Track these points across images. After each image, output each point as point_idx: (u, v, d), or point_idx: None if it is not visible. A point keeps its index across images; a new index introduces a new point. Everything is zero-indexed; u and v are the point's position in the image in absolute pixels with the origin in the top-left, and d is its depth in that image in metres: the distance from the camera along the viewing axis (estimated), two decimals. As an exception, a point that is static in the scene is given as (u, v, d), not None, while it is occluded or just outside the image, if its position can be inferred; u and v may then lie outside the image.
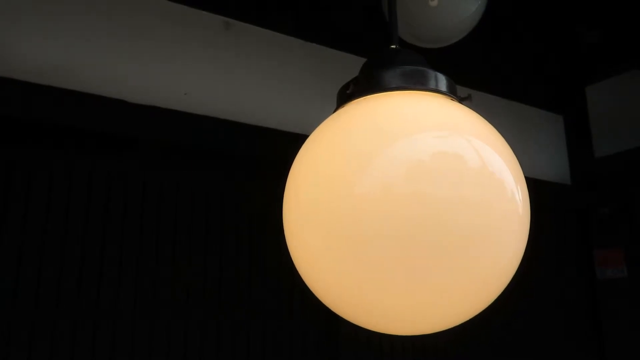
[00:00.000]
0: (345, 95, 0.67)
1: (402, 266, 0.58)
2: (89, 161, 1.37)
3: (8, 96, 1.22)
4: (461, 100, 0.66)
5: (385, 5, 1.46)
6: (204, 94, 1.50)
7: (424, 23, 1.40)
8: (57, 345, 1.29)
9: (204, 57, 1.53)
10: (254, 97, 1.60)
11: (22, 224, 1.29)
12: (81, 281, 1.33)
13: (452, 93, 0.65)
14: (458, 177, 0.57)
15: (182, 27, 1.50)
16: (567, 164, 2.41)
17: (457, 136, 0.60)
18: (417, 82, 0.64)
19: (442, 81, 0.65)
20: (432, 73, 0.65)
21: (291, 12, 1.68)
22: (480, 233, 0.58)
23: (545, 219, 2.09)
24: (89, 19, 1.37)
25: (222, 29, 1.54)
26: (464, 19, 1.43)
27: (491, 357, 1.98)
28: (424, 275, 0.58)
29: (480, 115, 0.64)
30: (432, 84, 0.64)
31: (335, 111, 0.68)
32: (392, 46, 0.71)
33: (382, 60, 0.69)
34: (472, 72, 1.88)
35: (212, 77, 1.53)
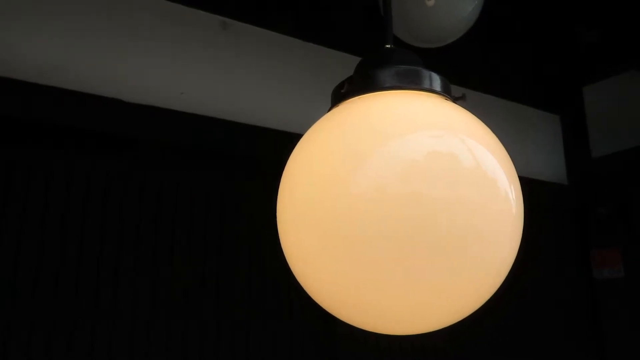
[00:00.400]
0: (340, 95, 0.67)
1: (396, 266, 0.58)
2: (88, 161, 1.37)
3: (7, 96, 1.22)
4: (455, 100, 0.66)
5: (382, 6, 1.47)
6: (203, 93, 1.50)
7: (421, 23, 1.40)
8: (55, 346, 1.29)
9: (203, 57, 1.53)
10: (252, 97, 1.60)
11: (20, 224, 1.29)
12: (79, 281, 1.33)
13: (446, 93, 0.66)
14: (452, 176, 0.57)
15: (180, 27, 1.50)
16: (564, 164, 2.41)
17: (451, 136, 0.60)
18: (411, 82, 0.64)
19: (437, 81, 0.65)
20: (426, 73, 0.65)
21: (290, 12, 1.69)
22: (474, 232, 0.58)
23: (542, 219, 2.09)
24: (88, 19, 1.37)
25: (220, 28, 1.54)
26: (461, 19, 1.43)
27: (490, 356, 1.98)
28: (418, 275, 0.58)
29: (477, 115, 0.64)
30: (426, 84, 0.65)
31: (329, 110, 0.69)
32: (387, 45, 0.71)
33: (376, 60, 0.69)
34: (469, 72, 1.88)
35: (211, 76, 1.53)
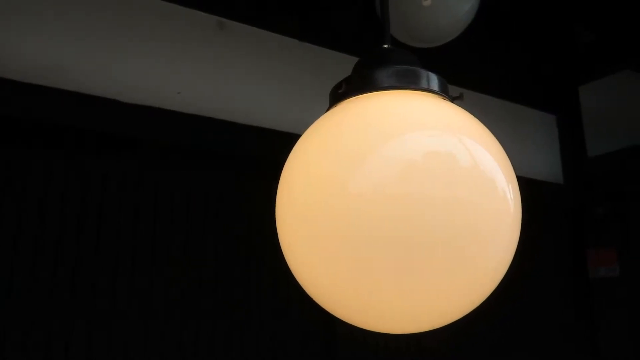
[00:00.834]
0: (338, 95, 0.67)
1: (394, 265, 0.58)
2: (86, 161, 1.37)
3: (3, 96, 1.22)
4: (453, 99, 0.67)
5: (379, 6, 1.47)
6: (199, 93, 1.50)
7: (417, 22, 1.40)
8: (52, 345, 1.28)
9: (199, 57, 1.53)
10: (249, 97, 1.60)
11: (17, 224, 1.29)
12: (76, 281, 1.33)
13: (443, 92, 0.66)
14: (450, 176, 0.57)
15: (177, 27, 1.50)
16: (561, 163, 2.42)
17: (449, 136, 0.60)
18: (409, 82, 0.64)
19: (434, 80, 0.65)
20: (424, 72, 0.65)
21: (287, 12, 1.69)
22: (472, 232, 0.58)
23: (538, 218, 2.10)
24: (85, 20, 1.37)
25: (217, 29, 1.54)
26: (458, 19, 1.44)
27: (487, 355, 1.98)
28: (416, 274, 0.58)
29: (474, 114, 0.64)
30: (424, 84, 0.65)
31: (327, 110, 0.69)
32: (385, 45, 0.71)
33: (374, 60, 0.69)
34: (465, 71, 1.88)
35: (207, 76, 1.52)
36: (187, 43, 1.50)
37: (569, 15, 2.05)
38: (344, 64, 1.72)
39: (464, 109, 0.66)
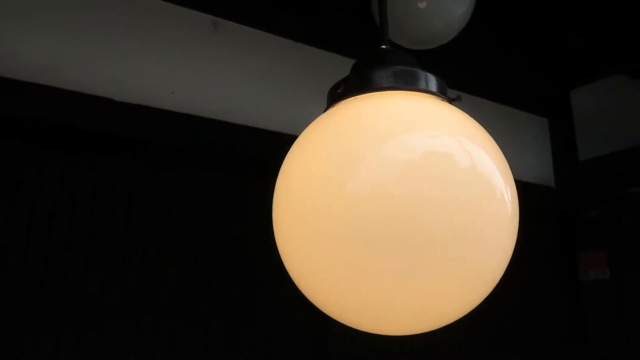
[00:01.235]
0: (336, 95, 0.67)
1: (392, 266, 0.58)
2: (79, 160, 1.35)
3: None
4: (451, 101, 0.67)
5: (375, 7, 1.47)
6: (195, 93, 1.49)
7: (412, 24, 1.40)
8: (42, 347, 1.27)
9: (194, 56, 1.52)
10: (244, 97, 1.59)
11: (6, 223, 1.27)
12: (67, 281, 1.31)
13: (442, 94, 0.66)
14: (449, 177, 0.57)
15: (172, 26, 1.49)
16: (552, 166, 2.43)
17: (448, 136, 0.60)
18: (407, 82, 0.64)
19: (433, 82, 0.65)
20: (422, 73, 0.65)
21: (282, 13, 1.68)
22: (470, 233, 0.58)
23: (530, 221, 2.10)
24: (79, 18, 1.36)
25: (212, 28, 1.54)
26: (452, 22, 1.44)
27: (480, 356, 1.99)
28: (414, 275, 0.58)
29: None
30: (422, 85, 0.65)
31: (325, 110, 0.68)
32: (383, 46, 0.71)
33: (373, 60, 0.69)
34: (458, 74, 1.88)
35: (202, 76, 1.52)
36: (182, 42, 1.50)
37: (562, 19, 2.06)
38: (338, 65, 1.73)
39: (461, 110, 0.66)
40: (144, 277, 1.39)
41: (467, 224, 0.58)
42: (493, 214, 0.59)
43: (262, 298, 1.56)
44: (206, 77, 1.52)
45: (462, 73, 1.91)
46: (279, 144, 1.60)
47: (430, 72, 0.66)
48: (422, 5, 1.35)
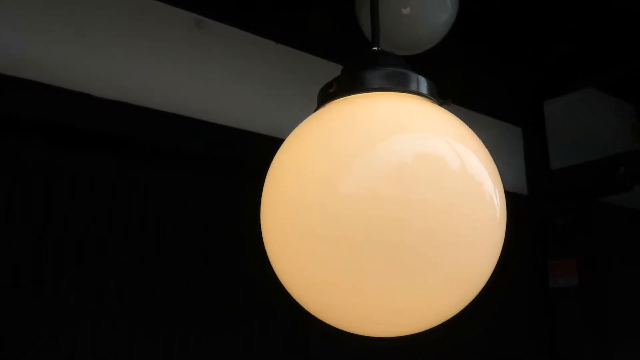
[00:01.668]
0: (327, 95, 0.66)
1: (380, 268, 0.57)
2: (54, 156, 1.31)
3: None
4: (441, 104, 0.67)
5: (359, 10, 1.48)
6: (174, 91, 1.46)
7: (395, 30, 1.41)
8: (38, 345, 1.23)
9: (176, 54, 1.49)
10: (225, 97, 1.57)
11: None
12: (61, 280, 1.27)
13: (432, 96, 0.66)
14: (440, 180, 0.57)
15: (153, 22, 1.46)
16: (525, 174, 2.48)
17: (440, 139, 0.60)
18: (399, 84, 0.64)
19: (424, 84, 0.66)
20: (414, 76, 0.66)
21: (266, 14, 1.67)
22: (459, 237, 0.58)
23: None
24: (58, 12, 1.32)
25: (195, 26, 1.51)
26: (435, 29, 1.46)
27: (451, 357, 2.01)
28: (402, 278, 0.58)
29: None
30: (414, 87, 0.65)
31: (315, 110, 0.68)
32: (374, 48, 0.71)
33: (364, 61, 0.69)
34: (436, 80, 1.90)
35: (183, 74, 1.49)
36: (164, 40, 1.47)
37: (538, 32, 2.11)
38: (320, 67, 1.73)
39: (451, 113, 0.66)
40: (101, 286, 1.36)
41: (456, 227, 0.58)
42: (482, 217, 0.59)
43: (260, 299, 1.56)
44: (186, 75, 1.50)
45: (440, 80, 1.93)
46: (256, 145, 1.59)
47: (422, 74, 0.66)
48: (406, 11, 1.36)
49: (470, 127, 0.66)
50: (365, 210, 0.57)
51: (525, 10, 1.94)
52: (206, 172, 1.58)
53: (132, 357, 1.34)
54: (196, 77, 1.51)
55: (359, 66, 0.67)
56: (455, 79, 2.11)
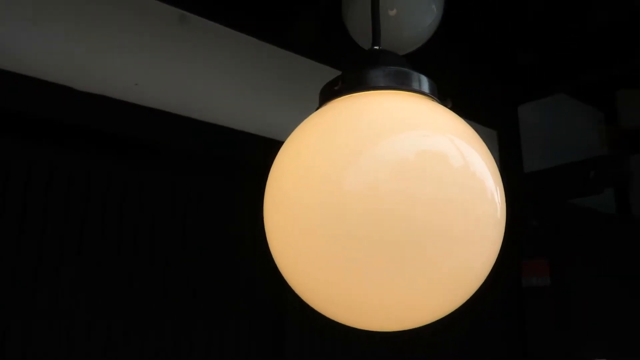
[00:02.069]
0: (331, 92, 0.66)
1: (382, 264, 0.58)
2: (31, 150, 1.28)
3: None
4: (442, 102, 0.68)
5: (346, 10, 1.48)
6: (157, 86, 1.44)
7: (381, 31, 1.42)
8: (32, 344, 1.19)
9: (159, 49, 1.47)
10: (205, 93, 1.55)
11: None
12: (15, 282, 1.23)
13: (433, 95, 0.67)
14: (442, 177, 0.58)
15: (137, 17, 1.44)
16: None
17: (442, 136, 0.61)
18: (401, 83, 0.65)
19: (425, 83, 0.67)
20: (415, 74, 0.66)
21: (250, 12, 1.66)
22: (460, 233, 0.59)
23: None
24: (41, 5, 1.28)
25: (179, 22, 1.49)
26: (419, 31, 1.48)
27: (426, 356, 2.03)
28: (406, 272, 0.58)
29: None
30: (415, 85, 0.66)
31: (318, 108, 0.68)
32: (375, 47, 0.72)
33: (365, 60, 0.69)
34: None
35: (166, 69, 1.47)
36: (148, 34, 1.45)
37: (512, 38, 2.16)
38: (305, 66, 1.73)
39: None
40: (76, 282, 1.33)
41: (458, 224, 0.58)
42: (483, 215, 0.60)
43: (259, 299, 1.55)
44: (169, 70, 1.48)
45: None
46: (240, 143, 1.58)
47: (423, 73, 0.67)
48: (392, 12, 1.38)
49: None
50: (368, 206, 0.57)
51: (501, 18, 1.99)
52: (207, 172, 1.58)
53: (132, 357, 1.32)
54: (179, 73, 1.50)
55: (361, 65, 0.67)
56: (435, 81, 2.14)
